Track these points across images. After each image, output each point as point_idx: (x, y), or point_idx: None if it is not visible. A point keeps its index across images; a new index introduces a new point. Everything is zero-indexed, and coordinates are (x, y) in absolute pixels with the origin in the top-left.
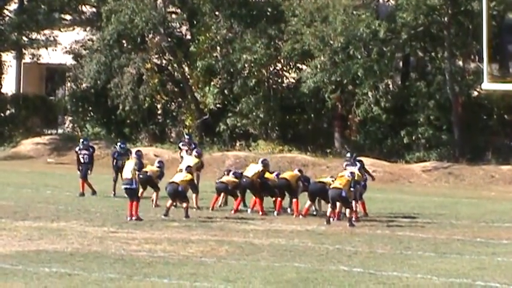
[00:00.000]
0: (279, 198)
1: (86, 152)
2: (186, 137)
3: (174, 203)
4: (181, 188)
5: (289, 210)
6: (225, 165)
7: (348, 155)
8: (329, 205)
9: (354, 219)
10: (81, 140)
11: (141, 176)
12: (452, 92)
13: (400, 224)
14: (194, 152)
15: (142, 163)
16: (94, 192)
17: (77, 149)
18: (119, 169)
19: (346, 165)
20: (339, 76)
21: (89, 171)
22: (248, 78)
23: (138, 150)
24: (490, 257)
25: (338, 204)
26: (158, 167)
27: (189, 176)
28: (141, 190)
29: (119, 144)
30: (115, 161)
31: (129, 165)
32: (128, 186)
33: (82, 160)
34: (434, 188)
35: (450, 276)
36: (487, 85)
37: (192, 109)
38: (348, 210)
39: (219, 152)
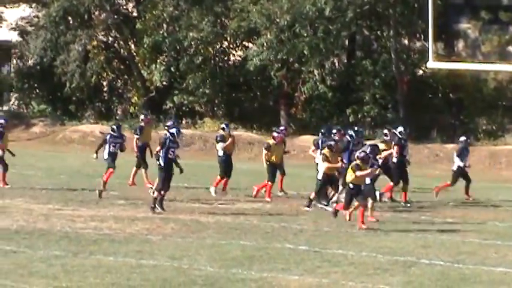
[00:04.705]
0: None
1: None
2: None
3: None
4: None
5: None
6: None
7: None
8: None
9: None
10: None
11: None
12: (398, 70)
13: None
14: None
15: None
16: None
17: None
18: None
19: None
20: (285, 54)
21: None
22: (194, 56)
23: None
24: (434, 235)
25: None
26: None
27: None
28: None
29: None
30: None
31: None
32: None
33: None
34: None
35: (395, 254)
36: (432, 64)
37: (139, 86)
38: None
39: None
